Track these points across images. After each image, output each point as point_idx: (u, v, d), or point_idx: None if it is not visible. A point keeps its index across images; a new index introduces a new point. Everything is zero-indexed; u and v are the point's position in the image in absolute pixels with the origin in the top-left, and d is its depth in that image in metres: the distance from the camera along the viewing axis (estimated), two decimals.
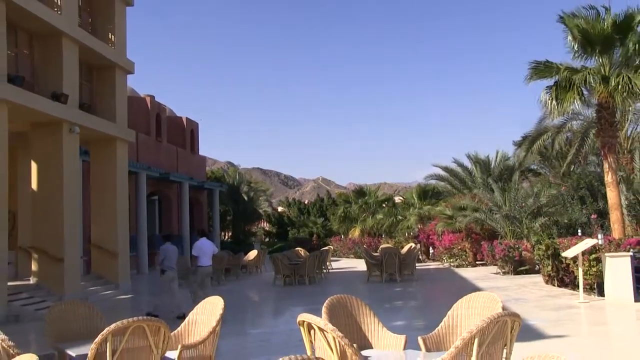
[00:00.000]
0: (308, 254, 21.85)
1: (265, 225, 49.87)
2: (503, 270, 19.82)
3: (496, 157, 27.76)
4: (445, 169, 28.91)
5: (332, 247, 30.67)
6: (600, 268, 13.04)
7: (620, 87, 13.85)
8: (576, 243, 13.52)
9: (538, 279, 17.00)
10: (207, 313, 6.28)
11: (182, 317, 11.16)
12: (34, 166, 16.00)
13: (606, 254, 12.79)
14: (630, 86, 13.76)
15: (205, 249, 12.90)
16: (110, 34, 19.04)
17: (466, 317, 5.51)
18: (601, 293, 12.95)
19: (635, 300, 12.17)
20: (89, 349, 4.95)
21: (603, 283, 12.87)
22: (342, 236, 35.99)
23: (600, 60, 15.01)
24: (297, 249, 25.39)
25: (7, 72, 13.61)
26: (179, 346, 5.66)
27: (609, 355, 8.11)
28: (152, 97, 29.28)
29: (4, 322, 12.10)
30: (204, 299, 12.62)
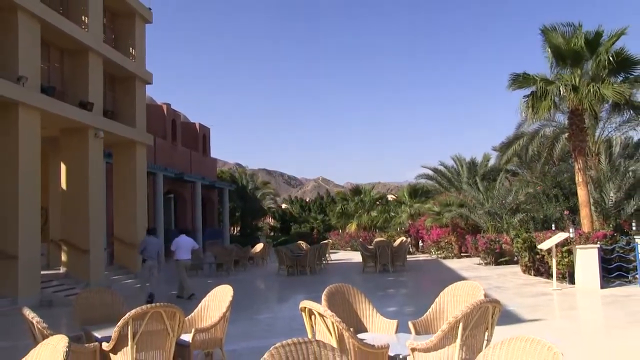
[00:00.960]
0: (309, 246, 21.84)
1: (270, 220, 49.81)
2: (485, 261, 19.83)
3: (482, 159, 27.82)
4: (434, 169, 28.86)
5: (330, 240, 30.62)
6: (571, 259, 13.08)
7: (590, 95, 13.93)
8: (550, 236, 13.56)
9: (516, 269, 17.02)
10: (217, 300, 6.29)
11: (149, 301, 11.72)
12: (63, 167, 16.06)
13: (577, 246, 12.84)
14: (598, 94, 13.84)
15: (183, 244, 13.44)
16: (131, 48, 19.08)
17: (452, 303, 5.51)
18: (572, 281, 12.99)
19: (602, 287, 12.31)
20: (113, 332, 4.96)
21: (574, 272, 12.93)
22: (340, 231, 35.97)
23: (572, 71, 15.06)
24: (299, 242, 25.35)
25: (40, 83, 13.68)
26: (193, 330, 5.68)
27: (579, 336, 8.14)
28: (169, 105, 29.28)
29: (38, 306, 12.15)
30: (183, 287, 13.06)
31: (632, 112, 16.62)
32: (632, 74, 14.89)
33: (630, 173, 18.19)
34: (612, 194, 17.28)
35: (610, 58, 14.22)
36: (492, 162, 26.85)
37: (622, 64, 14.56)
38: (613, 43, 14.42)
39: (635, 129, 19.28)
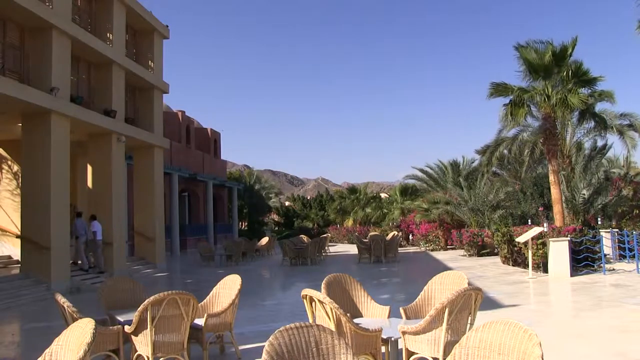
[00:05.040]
0: (310, 240, 21.84)
1: (275, 216, 49.75)
2: (469, 253, 19.83)
3: (463, 161, 27.81)
4: (421, 170, 28.77)
5: (329, 234, 30.61)
6: (545, 250, 13.09)
7: (559, 103, 14.01)
8: (527, 231, 13.58)
9: (496, 259, 17.02)
10: (227, 288, 6.27)
11: (86, 270, 14.27)
12: (89, 168, 16.09)
13: (550, 239, 12.86)
14: (566, 102, 13.93)
15: (99, 227, 14.80)
16: (150, 61, 19.07)
17: (439, 291, 5.51)
18: (546, 270, 13.01)
19: (571, 275, 12.38)
20: (134, 316, 4.97)
21: (547, 262, 12.93)
22: (338, 226, 35.90)
23: (544, 82, 15.09)
24: (301, 236, 25.34)
25: (70, 93, 13.71)
26: (205, 315, 5.68)
27: (551, 318, 8.16)
28: (183, 112, 29.27)
29: (68, 292, 12.18)
30: (96, 262, 14.81)
31: (595, 120, 16.78)
32: (596, 88, 15.12)
33: (598, 174, 18.24)
34: (583, 192, 17.30)
35: (571, 71, 14.38)
36: (475, 163, 26.81)
37: (584, 76, 14.70)
38: (570, 54, 14.53)
39: (600, 136, 19.32)
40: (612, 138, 20.36)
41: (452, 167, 27.35)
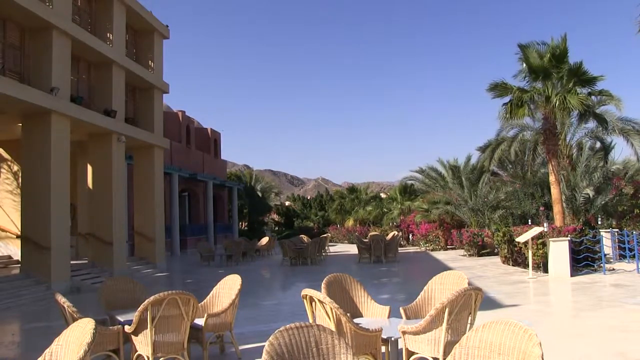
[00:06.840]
0: (310, 240, 21.82)
1: (275, 216, 49.73)
2: (469, 253, 19.82)
3: (465, 160, 27.70)
4: (420, 171, 28.72)
5: (329, 234, 30.58)
6: (545, 250, 13.10)
7: (558, 104, 14.01)
8: (527, 230, 13.59)
9: (496, 259, 17.01)
10: (227, 288, 6.27)
11: None
12: (89, 168, 16.09)
13: (550, 239, 12.86)
14: (565, 103, 13.93)
15: None
16: (150, 61, 19.08)
17: (439, 291, 5.50)
18: (546, 270, 13.02)
19: (571, 275, 12.38)
20: (134, 316, 4.97)
21: (547, 262, 12.94)
22: (338, 225, 35.88)
23: (544, 83, 15.09)
24: (301, 235, 25.30)
25: (70, 93, 13.72)
26: (205, 315, 5.68)
27: (551, 318, 8.15)
28: (183, 112, 29.27)
29: (68, 292, 12.19)
30: None
31: (595, 121, 16.76)
32: (595, 88, 15.11)
33: (597, 174, 18.24)
34: (586, 191, 17.29)
35: (571, 70, 14.37)
36: (473, 159, 26.71)
37: (584, 76, 14.68)
38: (563, 51, 14.52)
39: (602, 136, 19.31)
40: (613, 138, 20.28)
41: (452, 169, 27.26)
